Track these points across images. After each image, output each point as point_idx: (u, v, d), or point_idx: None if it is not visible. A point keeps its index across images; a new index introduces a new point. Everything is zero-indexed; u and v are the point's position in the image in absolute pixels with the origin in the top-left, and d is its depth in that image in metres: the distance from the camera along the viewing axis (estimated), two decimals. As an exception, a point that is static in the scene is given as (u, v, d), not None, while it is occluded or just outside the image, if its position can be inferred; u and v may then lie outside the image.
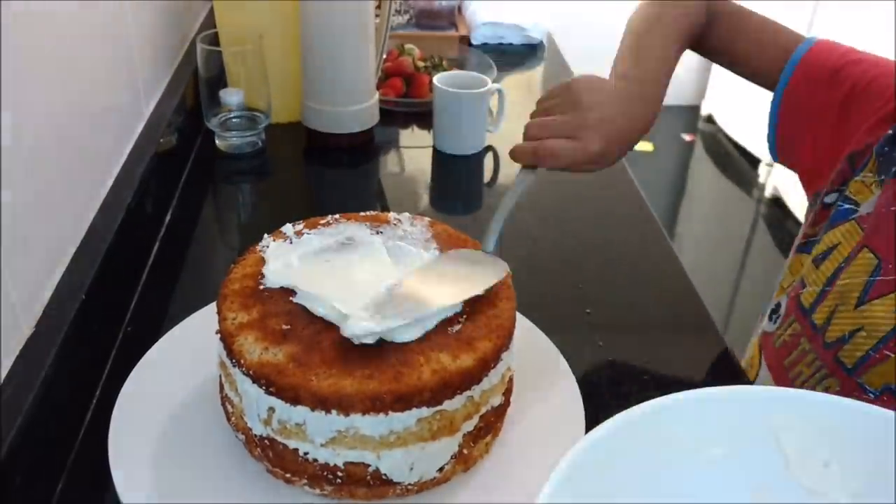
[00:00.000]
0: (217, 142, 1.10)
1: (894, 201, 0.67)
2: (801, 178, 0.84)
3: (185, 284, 0.82)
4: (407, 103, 1.25)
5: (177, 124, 1.03)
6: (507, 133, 1.18)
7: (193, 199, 1.00)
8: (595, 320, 0.79)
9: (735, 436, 0.45)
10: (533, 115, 0.81)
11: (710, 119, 3.58)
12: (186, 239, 0.92)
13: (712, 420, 0.45)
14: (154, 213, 0.92)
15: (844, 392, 0.67)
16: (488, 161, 1.14)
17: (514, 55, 1.55)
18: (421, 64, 1.33)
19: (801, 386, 0.72)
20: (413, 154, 1.18)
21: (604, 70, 1.06)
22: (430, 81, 1.16)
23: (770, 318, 0.80)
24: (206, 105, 1.07)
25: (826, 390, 0.69)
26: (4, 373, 0.57)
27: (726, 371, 0.76)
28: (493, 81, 1.15)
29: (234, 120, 1.09)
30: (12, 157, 0.58)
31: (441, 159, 1.13)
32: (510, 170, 1.14)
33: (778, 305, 0.79)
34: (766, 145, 0.86)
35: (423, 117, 1.21)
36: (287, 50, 1.12)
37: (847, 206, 0.72)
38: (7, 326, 0.57)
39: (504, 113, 1.15)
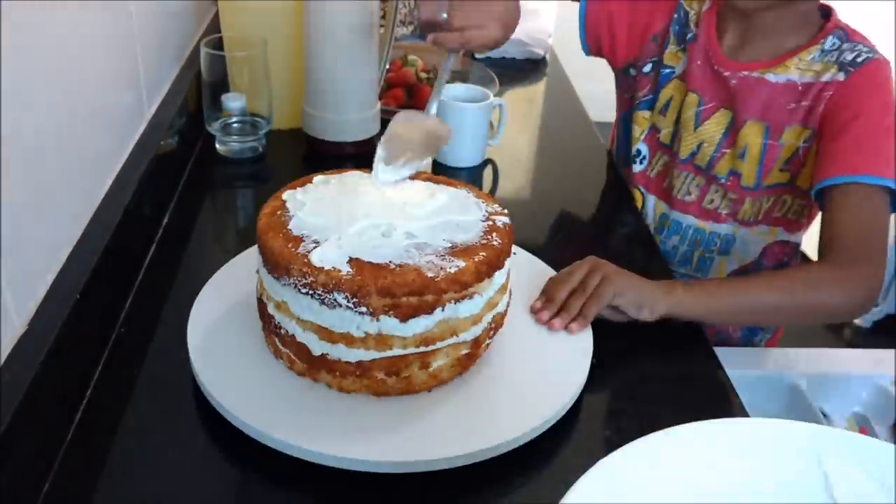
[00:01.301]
0: (217, 146, 1.10)
1: (695, 59, 1.04)
2: (609, 62, 1.18)
3: (180, 288, 0.82)
4: (408, 114, 1.25)
5: (178, 127, 1.03)
6: (507, 146, 1.19)
7: (192, 203, 1.00)
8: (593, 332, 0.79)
9: (784, 470, 0.44)
10: None
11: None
12: (183, 242, 0.92)
13: (766, 450, 0.44)
14: (152, 216, 0.92)
15: (707, 184, 1.06)
16: (488, 174, 1.14)
17: (516, 69, 1.55)
18: (423, 75, 1.33)
19: (678, 191, 1.08)
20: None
21: (604, 84, 1.06)
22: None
23: (638, 162, 1.14)
24: (207, 109, 1.08)
25: (697, 188, 1.07)
26: (-4, 370, 0.57)
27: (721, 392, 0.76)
28: (496, 95, 1.15)
29: (235, 125, 1.09)
30: (11, 156, 0.58)
31: (441, 171, 1.13)
32: (510, 183, 1.14)
33: (638, 151, 1.13)
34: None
35: (424, 128, 1.21)
36: (291, 56, 1.13)
37: (667, 70, 1.08)
38: (1, 323, 0.57)
39: (505, 127, 1.15)
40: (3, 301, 0.57)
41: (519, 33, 1.56)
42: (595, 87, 1.16)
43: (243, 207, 1.06)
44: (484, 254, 0.65)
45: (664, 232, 1.12)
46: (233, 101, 1.07)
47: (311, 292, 0.62)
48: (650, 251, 1.00)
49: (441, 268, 0.63)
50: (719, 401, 0.75)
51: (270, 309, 0.67)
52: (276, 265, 0.64)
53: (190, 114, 1.10)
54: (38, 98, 0.64)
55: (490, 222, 0.70)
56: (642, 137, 1.12)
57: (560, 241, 0.99)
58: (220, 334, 0.72)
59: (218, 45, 1.07)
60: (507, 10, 0.96)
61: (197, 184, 1.05)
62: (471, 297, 0.64)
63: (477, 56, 1.56)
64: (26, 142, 0.61)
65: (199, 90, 1.09)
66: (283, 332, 0.66)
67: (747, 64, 0.99)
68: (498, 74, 1.35)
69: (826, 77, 0.95)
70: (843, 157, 0.89)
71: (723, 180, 1.03)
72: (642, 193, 1.13)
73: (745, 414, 0.74)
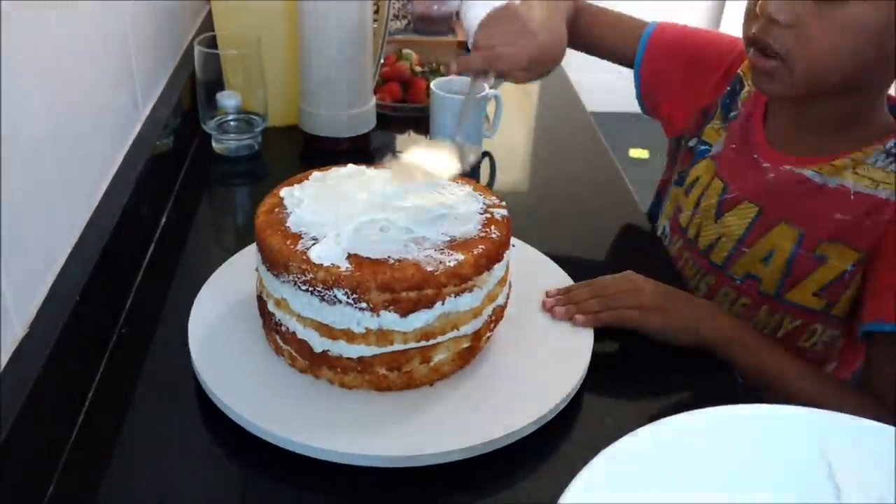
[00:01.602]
0: (213, 144, 1.10)
1: (732, 141, 0.91)
2: (663, 126, 1.06)
3: (180, 287, 0.82)
4: (404, 108, 1.25)
5: (173, 126, 1.03)
6: (504, 138, 1.19)
7: (189, 202, 1.00)
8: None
9: (789, 458, 0.44)
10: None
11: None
12: (182, 241, 0.92)
13: (770, 438, 0.44)
14: (149, 215, 0.92)
15: (717, 283, 0.91)
16: (484, 166, 1.14)
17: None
18: (418, 69, 1.33)
19: (687, 281, 0.94)
20: (409, 159, 1.18)
21: (604, 77, 1.05)
22: (428, 87, 1.16)
23: (664, 240, 1.02)
24: (202, 108, 1.07)
25: (706, 286, 0.93)
26: (-2, 373, 0.57)
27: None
28: (491, 87, 1.15)
29: (230, 123, 1.09)
30: (8, 158, 0.58)
31: (437, 164, 1.13)
32: (506, 175, 1.14)
33: (664, 228, 1.02)
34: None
35: (420, 122, 1.21)
36: (285, 53, 1.12)
37: (703, 147, 0.95)
38: (2, 325, 0.57)
39: (501, 119, 1.15)
40: (3, 303, 0.57)
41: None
42: (591, 77, 1.15)
43: (241, 205, 1.06)
44: (483, 246, 0.65)
45: None
46: (228, 100, 1.07)
47: (310, 289, 0.62)
48: (647, 241, 1.00)
49: (440, 262, 0.63)
50: (723, 391, 0.75)
51: (270, 306, 0.67)
52: (275, 262, 0.64)
53: (185, 113, 1.10)
54: (32, 100, 0.64)
55: (488, 215, 0.70)
56: (670, 216, 1.00)
57: (558, 232, 0.99)
58: (221, 333, 0.72)
59: (212, 43, 1.06)
60: (546, 27, 0.88)
61: (194, 183, 1.05)
62: (471, 290, 0.64)
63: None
64: (23, 143, 0.61)
65: (193, 89, 1.09)
66: (283, 329, 0.66)
67: (792, 157, 0.84)
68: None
69: (887, 193, 0.77)
70: None
71: (738, 282, 0.89)
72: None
73: (748, 401, 0.74)
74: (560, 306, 0.76)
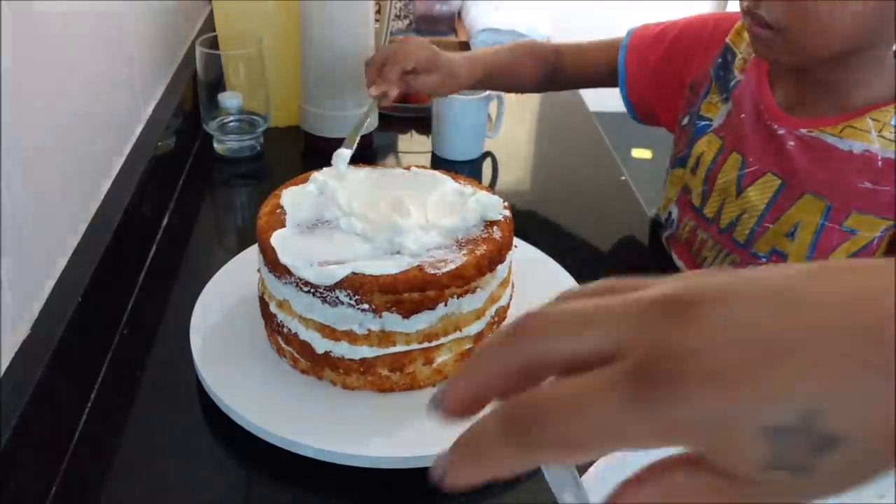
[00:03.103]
0: (215, 145, 1.10)
1: (741, 110, 0.86)
2: (665, 125, 1.04)
3: (182, 287, 0.82)
4: (406, 108, 1.25)
5: (175, 127, 1.03)
6: (506, 139, 1.18)
7: (191, 202, 1.00)
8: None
9: None
10: None
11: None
12: (184, 242, 0.92)
13: None
14: (152, 216, 0.92)
15: (743, 262, 0.86)
16: (487, 167, 1.14)
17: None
18: (420, 69, 1.33)
19: (710, 265, 0.90)
20: (412, 159, 1.18)
21: None
22: (430, 87, 1.16)
23: (668, 227, 0.98)
24: (204, 108, 1.07)
25: (731, 264, 0.88)
26: (1, 374, 0.56)
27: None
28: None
29: (232, 123, 1.09)
30: (11, 159, 0.58)
31: (440, 165, 1.13)
32: (509, 176, 1.14)
33: (669, 213, 0.98)
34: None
35: (422, 123, 1.21)
36: (286, 54, 1.12)
37: (702, 122, 0.91)
38: (4, 327, 0.57)
39: (503, 119, 1.15)
40: (6, 305, 0.57)
41: (516, 24, 1.56)
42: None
43: (242, 206, 1.06)
44: (485, 247, 0.65)
45: None
46: (229, 100, 1.07)
47: (312, 290, 0.62)
48: (650, 241, 0.99)
49: (443, 262, 0.63)
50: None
51: (272, 308, 0.67)
52: (277, 264, 0.64)
53: (187, 113, 1.10)
54: (34, 101, 0.64)
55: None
56: (675, 198, 0.97)
57: (560, 232, 0.99)
58: (223, 334, 0.72)
59: (213, 44, 1.06)
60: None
61: (196, 183, 1.05)
62: (473, 291, 0.64)
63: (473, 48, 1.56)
64: (24, 144, 0.61)
65: (195, 90, 1.09)
66: (285, 330, 0.66)
67: (808, 119, 0.79)
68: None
69: None
70: None
71: (763, 259, 0.85)
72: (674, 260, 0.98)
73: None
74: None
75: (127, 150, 0.89)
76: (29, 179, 0.62)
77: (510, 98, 1.18)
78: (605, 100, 1.28)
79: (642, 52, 1.01)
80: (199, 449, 0.64)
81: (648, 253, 0.97)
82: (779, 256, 0.84)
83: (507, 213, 0.71)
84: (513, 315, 0.73)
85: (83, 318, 0.66)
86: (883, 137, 0.74)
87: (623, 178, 1.12)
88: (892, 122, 0.75)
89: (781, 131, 0.81)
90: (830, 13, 0.70)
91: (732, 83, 0.88)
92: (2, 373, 0.57)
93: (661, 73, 0.99)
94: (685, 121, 0.95)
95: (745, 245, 0.86)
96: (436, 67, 0.96)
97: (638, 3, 3.11)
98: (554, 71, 1.07)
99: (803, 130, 0.79)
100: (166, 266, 0.86)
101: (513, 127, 1.24)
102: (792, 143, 0.80)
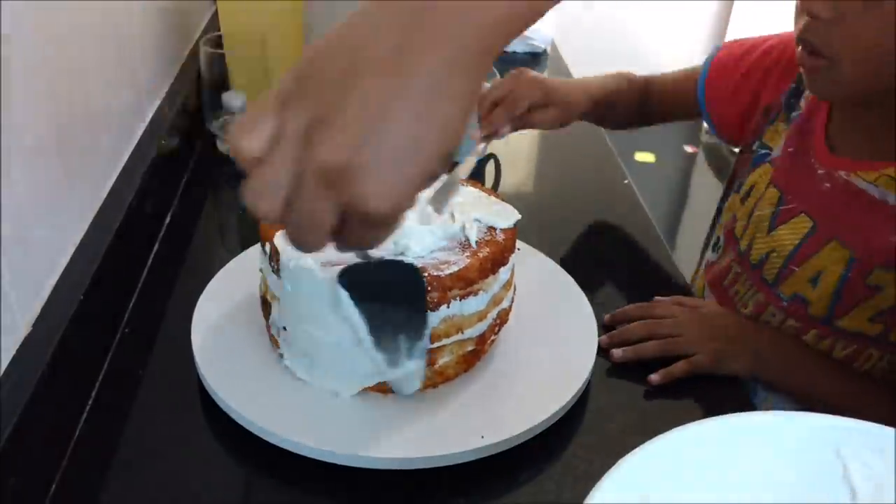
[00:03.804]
0: (218, 145, 1.10)
1: (790, 144, 0.84)
2: (738, 141, 0.99)
3: (184, 287, 0.82)
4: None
5: (178, 126, 1.03)
6: (509, 141, 1.18)
7: (194, 202, 1.00)
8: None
9: (804, 462, 0.44)
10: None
11: (712, 131, 3.58)
12: (186, 241, 0.92)
13: (785, 443, 0.44)
14: (154, 215, 0.92)
15: (766, 302, 0.83)
16: (490, 169, 1.14)
17: (517, 63, 1.55)
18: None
19: (741, 300, 0.86)
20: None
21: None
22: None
23: (713, 250, 0.96)
24: (207, 108, 1.07)
25: (755, 303, 0.84)
26: (1, 372, 0.56)
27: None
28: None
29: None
30: (13, 156, 0.58)
31: (442, 166, 1.13)
32: (511, 178, 1.14)
33: (718, 238, 0.95)
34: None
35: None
36: (290, 54, 1.12)
37: (763, 150, 0.88)
38: (5, 325, 0.57)
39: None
40: (7, 302, 0.57)
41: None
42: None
43: (245, 206, 1.06)
44: (488, 250, 0.65)
45: None
46: (233, 100, 1.07)
47: None
48: (653, 245, 0.99)
49: (445, 264, 0.63)
50: (727, 395, 0.75)
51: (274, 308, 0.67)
52: (279, 264, 0.63)
53: (190, 113, 1.10)
54: (37, 99, 0.64)
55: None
56: (726, 224, 0.93)
57: (563, 235, 0.99)
58: (224, 334, 0.72)
59: (217, 43, 1.06)
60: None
61: (198, 183, 1.05)
62: (476, 293, 0.64)
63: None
64: (27, 142, 0.61)
65: (198, 89, 1.09)
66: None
67: (848, 161, 0.76)
68: (499, 68, 1.34)
69: None
70: None
71: (784, 302, 0.81)
72: (703, 289, 0.97)
73: (753, 407, 0.74)
74: (617, 349, 0.74)
75: (130, 148, 0.89)
76: (31, 177, 0.62)
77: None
78: (609, 103, 1.28)
79: (728, 67, 0.97)
80: (200, 449, 0.64)
81: (651, 256, 0.97)
82: (800, 302, 0.79)
83: (517, 218, 0.71)
84: (515, 318, 0.73)
85: (84, 316, 0.66)
86: None
87: (626, 181, 1.11)
88: None
89: (821, 171, 0.78)
90: (881, 43, 0.67)
91: (795, 113, 0.85)
92: (2, 371, 0.57)
93: (740, 91, 0.96)
94: (755, 145, 0.91)
95: (772, 285, 0.82)
96: (552, 102, 0.96)
97: (642, 4, 3.11)
98: (645, 103, 1.06)
99: (841, 172, 0.76)
100: (168, 265, 0.86)
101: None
102: (828, 184, 0.77)
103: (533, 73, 0.97)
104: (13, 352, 0.58)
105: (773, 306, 0.82)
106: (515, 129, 0.95)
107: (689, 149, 3.49)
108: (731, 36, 3.30)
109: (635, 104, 1.06)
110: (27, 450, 0.56)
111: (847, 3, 0.68)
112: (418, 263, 0.62)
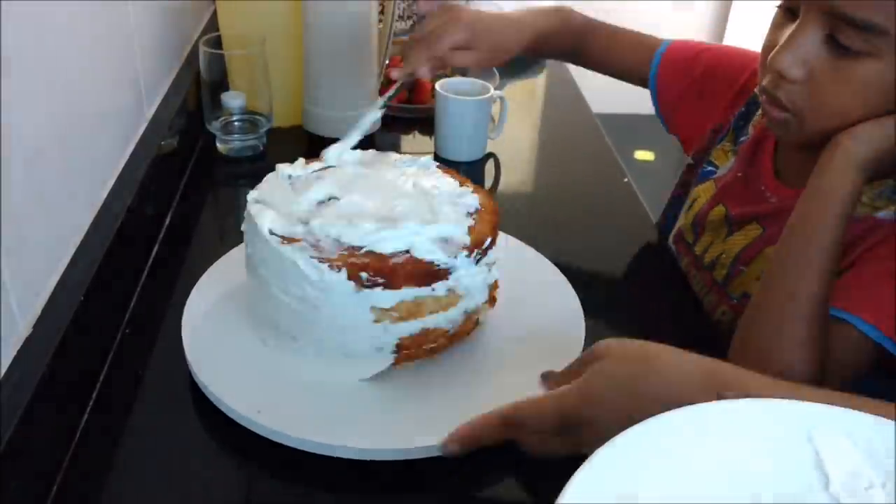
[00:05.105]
0: (218, 145, 1.10)
1: (738, 168, 0.88)
2: (682, 143, 1.04)
3: (184, 287, 0.82)
4: (409, 109, 1.25)
5: (178, 127, 1.03)
6: (509, 140, 1.18)
7: (193, 202, 1.00)
8: (592, 328, 0.79)
9: (778, 449, 0.44)
10: None
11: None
12: (186, 241, 0.92)
13: (755, 431, 0.45)
14: (154, 215, 0.92)
15: (717, 302, 0.87)
16: (489, 168, 1.14)
17: (516, 62, 1.54)
18: (423, 70, 1.32)
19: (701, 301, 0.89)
20: (414, 160, 1.18)
21: (609, 79, 1.03)
22: (433, 88, 1.16)
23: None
24: (207, 108, 1.07)
25: (709, 303, 0.88)
26: (2, 373, 0.56)
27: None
28: (496, 88, 1.15)
29: (235, 123, 1.09)
30: (12, 157, 0.58)
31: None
32: (511, 177, 1.14)
33: (673, 247, 0.98)
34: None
35: (425, 123, 1.21)
36: (289, 54, 1.12)
37: (709, 168, 0.93)
38: (5, 326, 0.57)
39: (505, 120, 1.15)
40: (7, 303, 0.57)
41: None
42: (596, 78, 1.15)
43: (245, 206, 1.06)
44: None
45: None
46: (232, 100, 1.07)
47: None
48: (652, 243, 0.99)
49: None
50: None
51: None
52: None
53: (190, 113, 1.10)
54: (36, 100, 0.64)
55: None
56: (672, 233, 0.99)
57: (562, 234, 0.99)
58: (214, 329, 0.72)
59: (216, 43, 1.07)
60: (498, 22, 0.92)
61: (198, 183, 1.05)
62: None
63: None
64: (26, 143, 0.61)
65: (198, 89, 1.09)
66: None
67: (794, 192, 0.75)
68: (497, 68, 1.34)
69: (884, 213, 0.72)
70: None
71: (734, 300, 0.84)
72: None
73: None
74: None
75: (130, 149, 0.89)
76: (31, 178, 0.62)
77: (513, 99, 1.18)
78: (608, 101, 1.28)
79: (674, 73, 1.00)
80: (201, 448, 0.64)
81: (650, 254, 0.97)
82: (746, 299, 0.78)
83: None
84: (502, 314, 0.74)
85: (85, 317, 0.66)
86: (861, 202, 0.70)
87: (626, 179, 1.12)
88: (874, 192, 0.73)
89: (772, 198, 0.82)
90: (844, 101, 0.69)
91: (743, 138, 0.89)
92: (3, 372, 0.57)
93: (686, 102, 0.98)
94: (696, 160, 0.95)
95: (723, 286, 0.86)
96: (476, 46, 0.93)
97: (641, 4, 3.11)
98: (581, 48, 1.06)
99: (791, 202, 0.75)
100: (168, 265, 0.86)
101: (515, 128, 1.24)
102: (775, 199, 0.82)
103: (464, 9, 0.94)
104: (14, 352, 0.59)
105: (724, 305, 0.86)
106: (435, 69, 0.92)
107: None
108: (729, 36, 3.31)
109: (569, 47, 1.07)
110: (28, 450, 0.56)
111: (818, 67, 0.68)
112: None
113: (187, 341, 0.70)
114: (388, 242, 0.64)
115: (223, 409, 0.64)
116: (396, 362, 0.66)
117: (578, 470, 0.41)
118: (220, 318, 0.73)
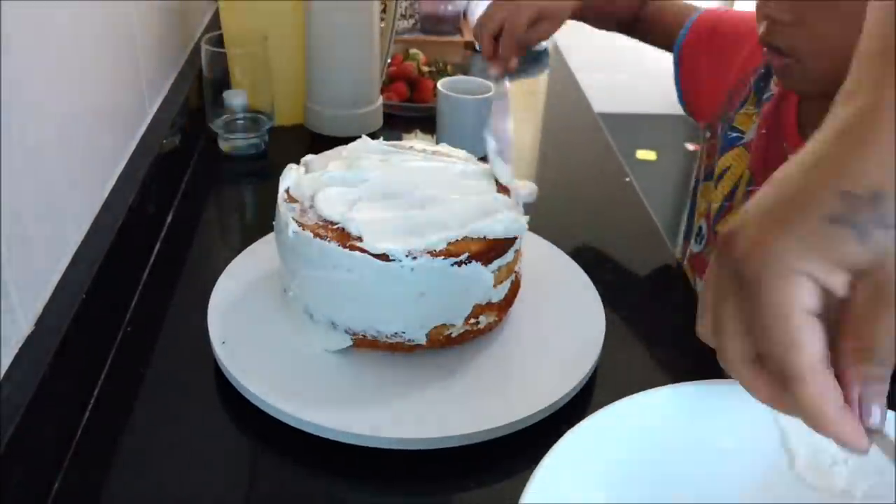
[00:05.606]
0: (220, 143, 1.10)
1: (763, 125, 0.84)
2: (699, 120, 1.03)
3: (186, 286, 0.82)
4: (411, 108, 1.25)
5: (180, 125, 1.03)
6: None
7: (195, 201, 1.00)
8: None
9: (743, 429, 0.45)
10: None
11: (713, 128, 3.57)
12: (188, 240, 0.92)
13: (722, 411, 0.45)
14: (156, 214, 0.92)
15: None
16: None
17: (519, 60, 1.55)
18: (425, 69, 1.33)
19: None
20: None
21: (611, 78, 1.02)
22: (435, 86, 1.16)
23: (696, 241, 0.95)
24: (209, 106, 1.07)
25: None
26: (3, 371, 0.56)
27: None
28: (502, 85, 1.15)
29: (237, 122, 1.09)
30: (15, 156, 0.58)
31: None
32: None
33: (700, 228, 0.94)
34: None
35: (427, 122, 1.21)
36: (291, 52, 1.12)
37: (734, 134, 0.89)
38: (7, 325, 0.57)
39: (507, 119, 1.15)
40: (9, 301, 0.57)
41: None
42: (599, 77, 1.15)
43: (247, 204, 1.06)
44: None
45: None
46: (234, 99, 1.07)
47: None
48: (654, 243, 0.99)
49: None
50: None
51: None
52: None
53: (192, 112, 1.10)
54: (39, 98, 0.64)
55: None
56: (705, 212, 0.94)
57: (564, 232, 0.99)
58: (241, 319, 0.73)
59: (218, 42, 1.06)
60: None
61: (200, 181, 1.05)
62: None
63: (478, 48, 1.55)
64: (29, 141, 0.61)
65: (200, 88, 1.09)
66: None
67: None
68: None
69: None
70: None
71: None
72: (692, 280, 0.94)
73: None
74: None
75: (132, 147, 0.89)
76: (33, 176, 0.62)
77: (514, 98, 1.18)
78: (610, 101, 1.28)
79: (697, 41, 1.00)
80: (202, 448, 0.64)
81: (652, 254, 0.96)
82: None
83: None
84: (523, 308, 0.75)
85: (87, 315, 0.66)
86: None
87: (627, 179, 1.11)
88: None
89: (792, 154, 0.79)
90: (843, 39, 0.65)
91: (766, 95, 0.87)
92: (5, 370, 0.57)
93: (704, 67, 0.98)
94: (721, 129, 0.92)
95: None
96: (544, 16, 0.95)
97: (644, 4, 3.11)
98: (639, 15, 1.07)
99: None
100: (170, 264, 0.86)
101: (517, 127, 1.24)
102: None
103: None
104: (16, 351, 0.59)
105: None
106: (521, 54, 0.95)
107: (690, 146, 3.49)
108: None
109: (628, 12, 1.08)
110: (30, 449, 0.56)
111: (804, 5, 0.68)
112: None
113: (213, 327, 0.71)
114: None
115: (272, 413, 0.63)
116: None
117: (547, 454, 0.41)
118: (248, 312, 0.74)
